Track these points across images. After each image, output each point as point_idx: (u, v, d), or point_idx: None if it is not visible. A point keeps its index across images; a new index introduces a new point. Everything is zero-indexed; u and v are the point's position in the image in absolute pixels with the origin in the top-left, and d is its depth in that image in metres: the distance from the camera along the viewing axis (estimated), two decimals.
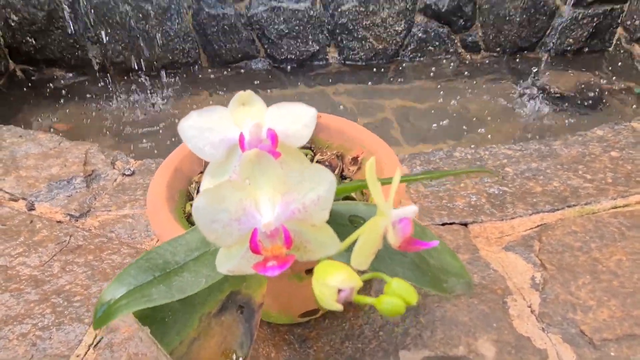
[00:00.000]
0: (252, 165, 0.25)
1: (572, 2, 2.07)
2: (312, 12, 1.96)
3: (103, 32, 1.90)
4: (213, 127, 0.30)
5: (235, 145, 0.31)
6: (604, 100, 1.93)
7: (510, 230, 0.63)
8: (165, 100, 1.92)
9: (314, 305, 0.47)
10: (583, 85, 2.04)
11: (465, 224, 0.64)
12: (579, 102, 1.91)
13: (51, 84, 2.00)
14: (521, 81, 2.07)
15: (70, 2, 1.82)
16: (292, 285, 0.41)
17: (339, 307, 0.25)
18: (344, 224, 0.36)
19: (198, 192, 0.49)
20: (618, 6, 2.14)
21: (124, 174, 0.74)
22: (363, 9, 1.97)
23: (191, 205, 0.47)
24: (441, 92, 1.99)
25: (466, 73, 2.13)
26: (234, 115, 0.31)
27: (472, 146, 0.77)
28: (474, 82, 2.07)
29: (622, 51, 2.18)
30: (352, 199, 0.47)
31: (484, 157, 0.76)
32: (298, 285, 0.41)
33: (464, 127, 1.67)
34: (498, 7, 2.06)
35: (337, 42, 2.04)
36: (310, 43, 2.05)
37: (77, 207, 0.68)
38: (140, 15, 1.87)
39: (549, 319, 0.51)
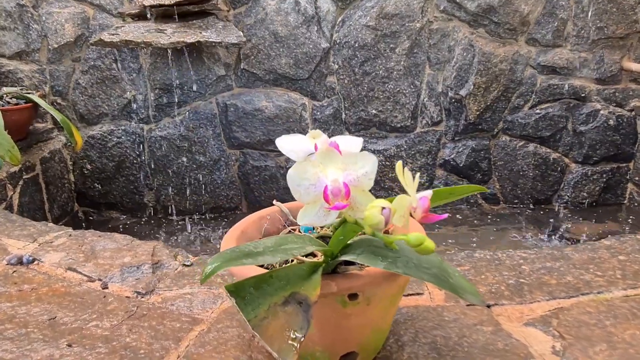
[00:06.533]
0: (324, 155, 0.38)
1: (579, 159, 2.28)
2: None
3: (160, 180, 2.18)
4: (295, 143, 0.45)
5: (312, 153, 0.44)
6: None
7: (529, 312, 0.69)
8: (207, 241, 2.09)
9: (354, 347, 0.54)
10: (603, 236, 2.12)
11: (488, 306, 0.71)
12: None
13: (108, 224, 2.22)
14: (542, 230, 2.17)
15: (137, 154, 2.14)
16: (337, 312, 0.49)
17: (382, 218, 0.34)
18: (380, 246, 0.46)
19: None
20: (624, 164, 2.32)
21: (184, 265, 0.85)
22: (389, 163, 2.22)
23: None
24: (465, 238, 2.10)
25: (488, 222, 2.26)
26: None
27: (492, 248, 0.87)
28: (496, 230, 2.19)
29: (636, 204, 2.30)
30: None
31: (502, 258, 0.85)
32: (342, 314, 0.49)
33: None
34: (511, 163, 2.28)
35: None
36: None
37: (144, 286, 0.79)
38: (194, 166, 2.16)
39: None
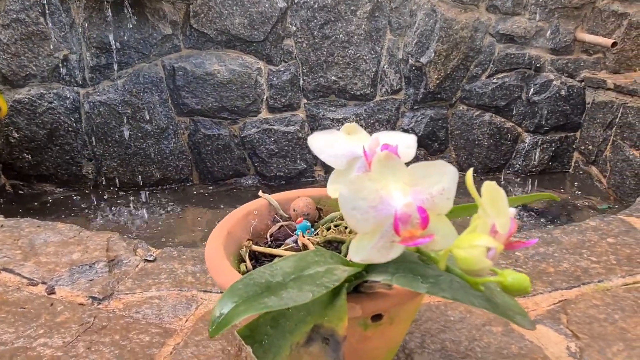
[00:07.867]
0: (382, 164, 0.29)
1: (531, 129, 2.32)
2: (300, 134, 2.12)
3: (100, 150, 1.98)
4: (334, 143, 0.35)
5: (356, 158, 0.35)
6: (571, 216, 2.07)
7: (534, 306, 0.65)
8: (155, 216, 1.94)
9: None
10: (552, 203, 2.19)
11: None
12: (551, 217, 2.04)
13: (40, 199, 2.00)
14: None
15: (73, 120, 1.92)
16: (356, 335, 0.42)
17: (490, 263, 0.27)
18: (415, 261, 0.38)
19: (249, 254, 0.51)
20: (572, 134, 2.39)
21: (146, 260, 0.74)
22: None
23: (245, 266, 0.48)
24: None
25: None
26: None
27: None
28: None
29: (581, 172, 2.39)
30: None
31: None
32: (362, 336, 0.42)
33: None
34: (467, 132, 2.28)
35: (323, 161, 2.17)
36: (298, 162, 2.18)
37: (100, 290, 0.67)
38: (139, 135, 1.97)
39: None
